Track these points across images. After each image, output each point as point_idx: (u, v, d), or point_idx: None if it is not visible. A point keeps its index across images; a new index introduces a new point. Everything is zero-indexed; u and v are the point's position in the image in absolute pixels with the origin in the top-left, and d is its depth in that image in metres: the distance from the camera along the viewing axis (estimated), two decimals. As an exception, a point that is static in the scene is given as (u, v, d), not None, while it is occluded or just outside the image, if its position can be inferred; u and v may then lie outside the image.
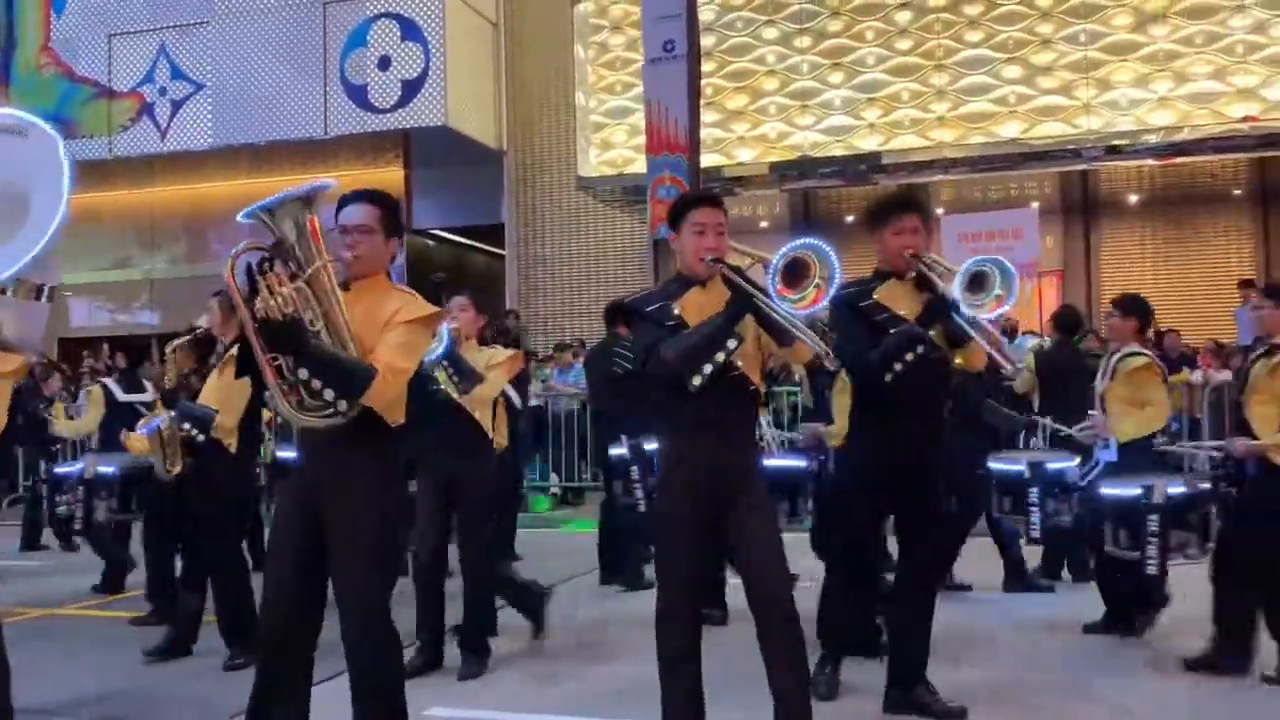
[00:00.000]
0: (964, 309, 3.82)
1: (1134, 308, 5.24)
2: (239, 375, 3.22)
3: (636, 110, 12.77)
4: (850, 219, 14.23)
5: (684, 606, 3.38)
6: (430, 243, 17.39)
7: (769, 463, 5.24)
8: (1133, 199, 14.08)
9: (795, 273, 3.21)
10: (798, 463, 5.59)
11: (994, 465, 5.52)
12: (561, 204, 15.83)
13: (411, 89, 14.77)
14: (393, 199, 3.35)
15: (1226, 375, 9.43)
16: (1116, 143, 12.13)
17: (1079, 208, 14.33)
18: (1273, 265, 13.55)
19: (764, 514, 3.41)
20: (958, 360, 4.05)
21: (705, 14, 12.82)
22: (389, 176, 16.57)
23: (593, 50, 14.06)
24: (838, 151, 12.97)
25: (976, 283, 3.80)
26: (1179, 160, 12.88)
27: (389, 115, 14.90)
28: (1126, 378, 5.10)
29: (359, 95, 14.97)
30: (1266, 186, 13.58)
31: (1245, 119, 11.70)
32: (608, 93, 13.95)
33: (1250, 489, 4.54)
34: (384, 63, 14.84)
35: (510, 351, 5.26)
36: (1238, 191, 13.72)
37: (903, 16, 12.83)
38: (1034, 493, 5.11)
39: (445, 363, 4.77)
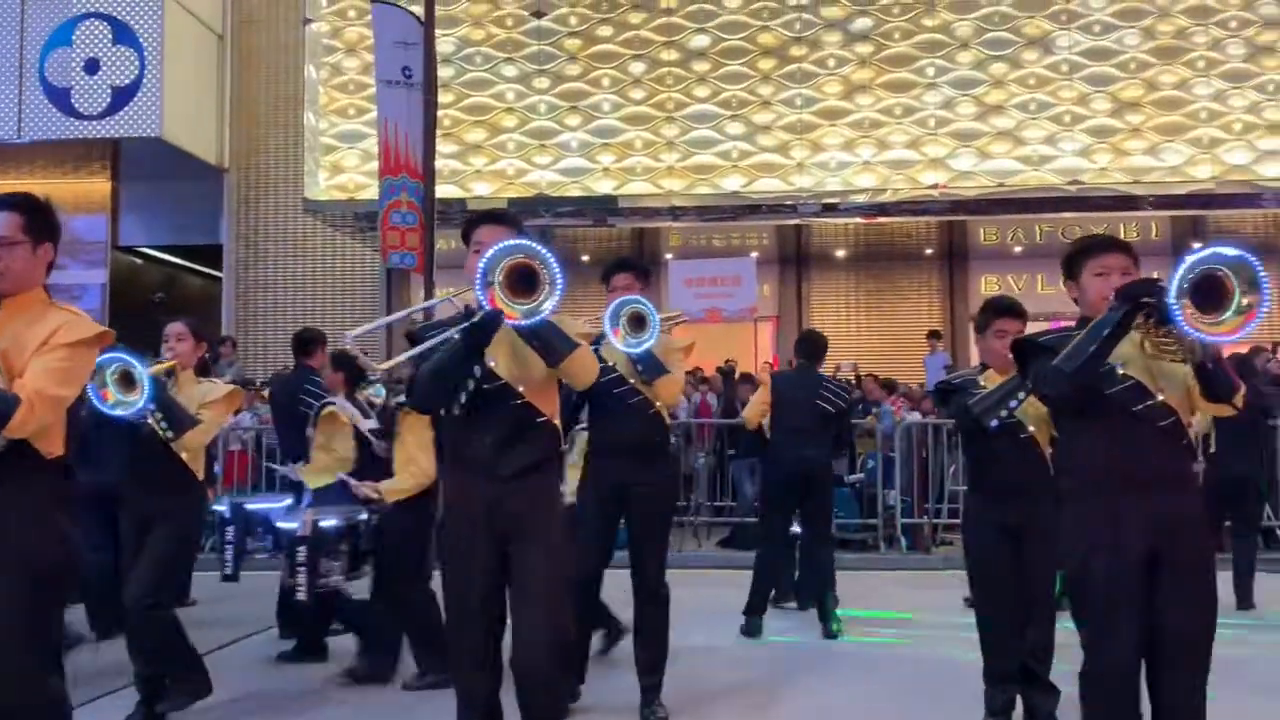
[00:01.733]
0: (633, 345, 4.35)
1: (342, 363, 5.52)
2: None
3: (370, 135, 12.49)
4: (586, 259, 14.51)
5: (464, 648, 3.18)
6: (139, 261, 16.18)
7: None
8: (840, 253, 15.22)
9: (526, 281, 2.98)
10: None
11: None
12: (287, 227, 15.18)
13: (123, 96, 13.72)
14: (39, 201, 2.95)
15: (916, 417, 10.34)
16: (828, 201, 13.11)
17: (793, 259, 15.33)
18: (958, 319, 15.03)
19: (536, 567, 3.16)
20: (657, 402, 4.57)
21: (444, 45, 12.77)
22: (94, 188, 15.33)
23: (325, 71, 13.65)
24: (574, 192, 13.26)
25: (639, 323, 4.35)
26: (881, 220, 14.09)
27: (96, 123, 13.75)
28: (321, 426, 5.40)
29: (61, 99, 13.74)
30: (953, 248, 15.07)
31: (936, 186, 12.98)
32: (340, 115, 13.56)
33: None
34: (91, 66, 13.71)
35: (228, 387, 4.93)
36: (929, 251, 15.15)
37: (637, 67, 13.33)
38: (231, 530, 5.27)
39: (154, 410, 4.38)
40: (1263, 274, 2.74)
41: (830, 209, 13.26)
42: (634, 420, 4.49)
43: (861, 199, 13.09)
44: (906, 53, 13.10)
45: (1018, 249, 14.97)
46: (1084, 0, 12.92)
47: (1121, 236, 14.41)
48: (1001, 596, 4.18)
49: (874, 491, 9.89)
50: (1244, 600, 7.27)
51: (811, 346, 6.75)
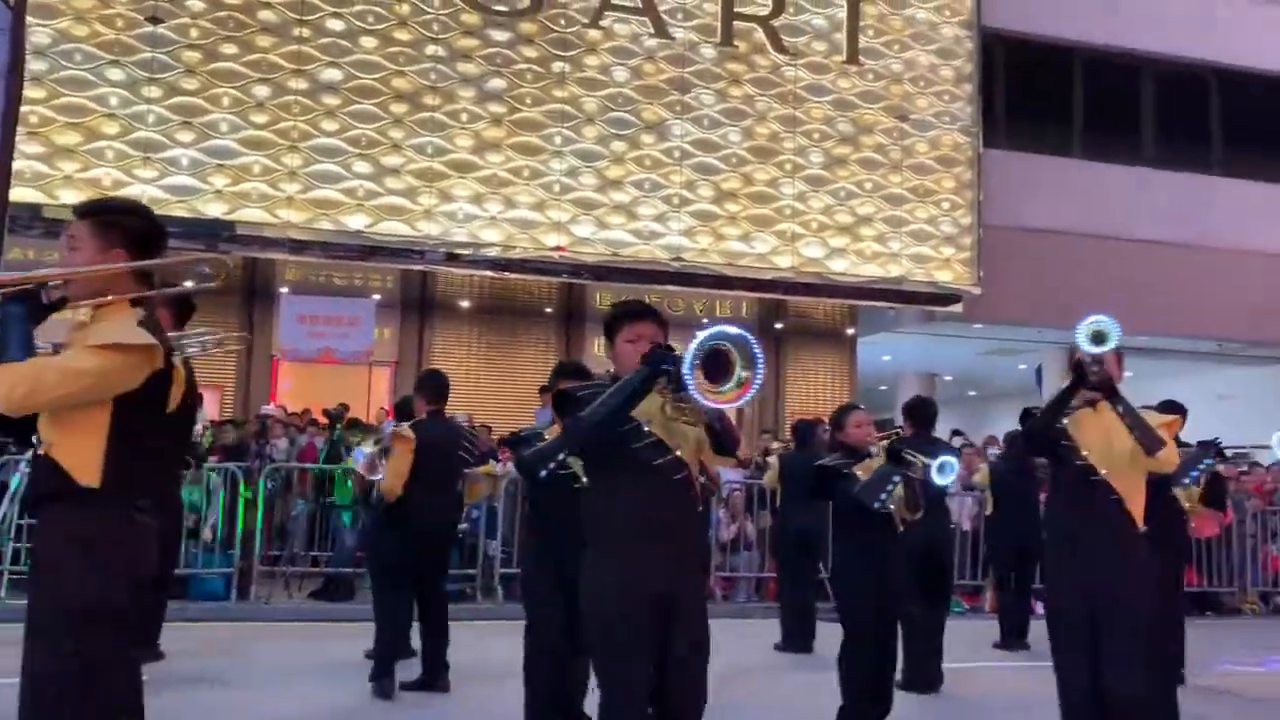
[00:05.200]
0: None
1: None
2: None
3: (-65, 123, 10.91)
4: (190, 284, 13.47)
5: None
6: None
7: None
8: (464, 304, 15.37)
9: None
10: None
11: None
12: None
13: None
14: None
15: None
16: (457, 251, 13.22)
17: (416, 305, 15.25)
18: (569, 376, 15.63)
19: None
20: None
21: (39, 36, 11.53)
22: None
23: (-117, 42, 11.76)
24: (179, 212, 12.32)
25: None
26: (506, 275, 14.42)
27: None
28: None
29: None
30: (571, 308, 15.74)
31: (557, 249, 13.53)
32: (-103, 95, 11.72)
33: None
34: None
35: None
36: (549, 309, 15.70)
37: (261, 91, 12.75)
38: None
39: None
40: (759, 353, 3.17)
41: (456, 259, 13.38)
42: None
43: (493, 253, 13.34)
44: (536, 119, 13.61)
45: (629, 315, 15.89)
46: (696, 95, 14.17)
47: (716, 313, 15.90)
48: None
49: (475, 541, 9.99)
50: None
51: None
